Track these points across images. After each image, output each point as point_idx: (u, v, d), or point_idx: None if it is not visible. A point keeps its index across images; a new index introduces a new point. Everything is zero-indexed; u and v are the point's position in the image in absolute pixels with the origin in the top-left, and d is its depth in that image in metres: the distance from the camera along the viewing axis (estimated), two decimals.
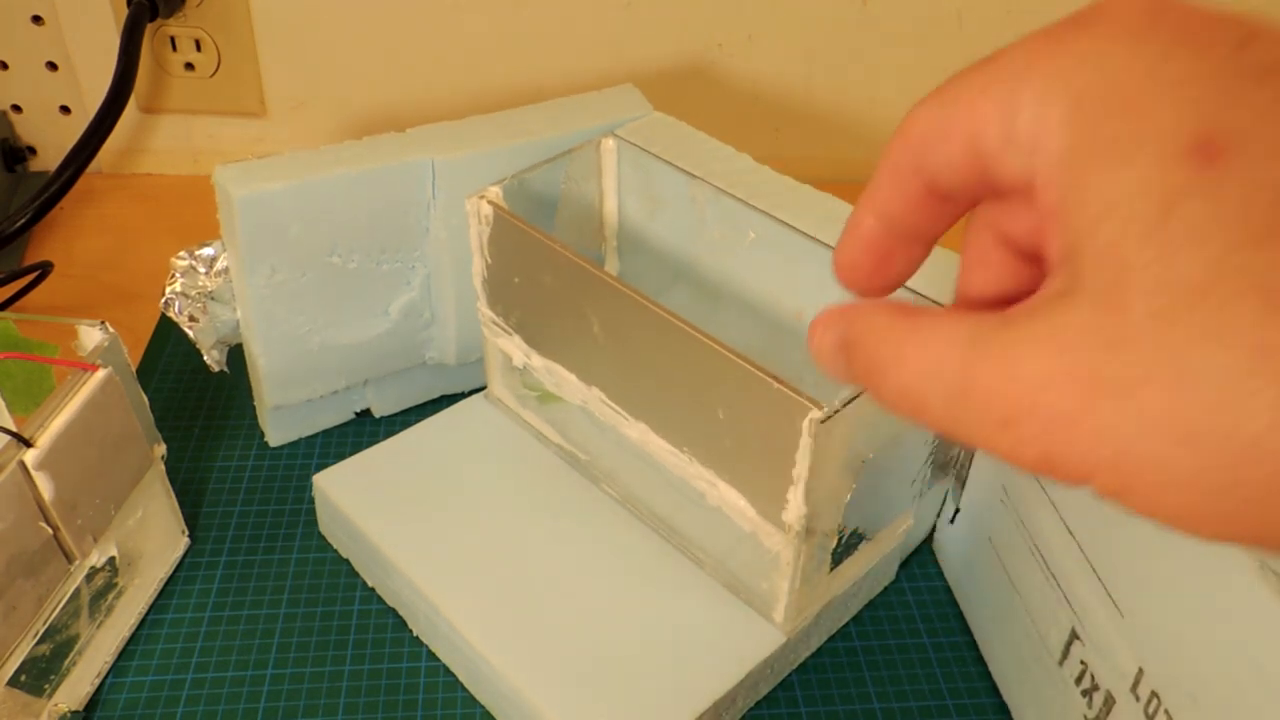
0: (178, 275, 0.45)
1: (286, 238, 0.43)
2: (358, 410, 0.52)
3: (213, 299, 0.45)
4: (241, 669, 0.41)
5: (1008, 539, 0.41)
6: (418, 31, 0.64)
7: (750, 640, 0.39)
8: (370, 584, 0.44)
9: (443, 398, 0.53)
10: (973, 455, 0.43)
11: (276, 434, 0.50)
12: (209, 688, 0.40)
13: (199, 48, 0.64)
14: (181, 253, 0.45)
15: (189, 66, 0.64)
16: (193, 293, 0.45)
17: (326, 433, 0.51)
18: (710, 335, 0.34)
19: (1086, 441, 0.17)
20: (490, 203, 0.41)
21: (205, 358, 0.46)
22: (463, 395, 0.51)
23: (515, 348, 0.44)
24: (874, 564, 0.42)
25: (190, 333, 0.45)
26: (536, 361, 0.43)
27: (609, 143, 0.47)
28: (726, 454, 0.37)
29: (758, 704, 0.41)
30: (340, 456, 0.46)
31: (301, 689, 0.40)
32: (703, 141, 0.47)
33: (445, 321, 0.49)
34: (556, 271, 0.40)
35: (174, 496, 0.44)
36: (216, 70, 0.65)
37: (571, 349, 0.41)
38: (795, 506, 0.35)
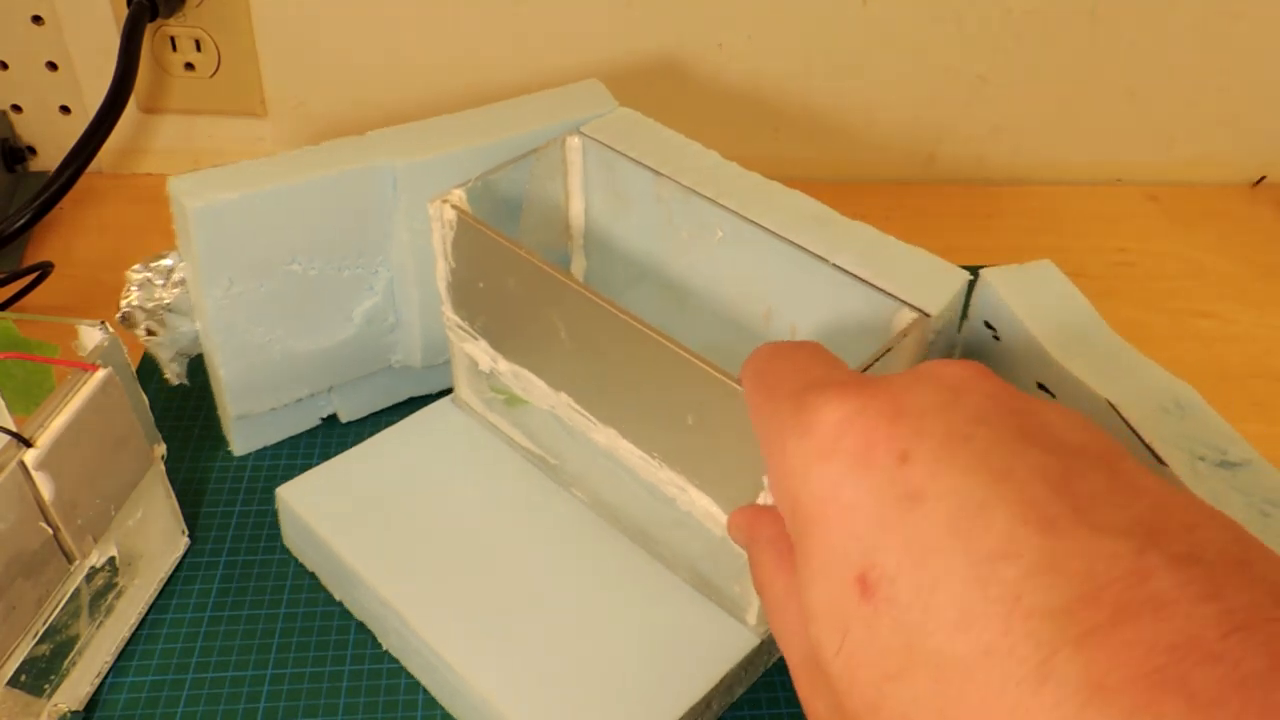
0: (133, 288, 0.43)
1: (244, 248, 0.42)
2: (323, 416, 0.51)
3: (170, 311, 0.44)
4: (241, 669, 0.41)
5: None
6: (418, 31, 0.64)
7: (724, 643, 0.39)
8: (338, 598, 0.43)
9: (410, 400, 0.52)
10: None
11: (241, 443, 0.49)
12: (209, 688, 0.40)
13: (199, 48, 0.64)
14: (137, 265, 0.43)
15: (189, 66, 0.64)
16: (150, 305, 0.44)
17: (310, 433, 0.51)
18: (677, 341, 0.34)
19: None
20: (453, 207, 0.40)
21: (165, 371, 0.45)
22: (431, 397, 0.50)
23: (481, 352, 0.43)
24: None
25: (148, 346, 0.44)
26: (503, 366, 0.43)
27: (574, 140, 0.46)
28: (696, 459, 0.36)
29: (739, 704, 0.41)
30: (325, 458, 0.45)
31: (301, 689, 0.40)
32: (669, 138, 0.45)
33: (410, 325, 0.48)
34: (521, 276, 0.39)
35: (174, 496, 0.44)
36: (216, 70, 0.65)
37: (538, 354, 0.41)
38: None
